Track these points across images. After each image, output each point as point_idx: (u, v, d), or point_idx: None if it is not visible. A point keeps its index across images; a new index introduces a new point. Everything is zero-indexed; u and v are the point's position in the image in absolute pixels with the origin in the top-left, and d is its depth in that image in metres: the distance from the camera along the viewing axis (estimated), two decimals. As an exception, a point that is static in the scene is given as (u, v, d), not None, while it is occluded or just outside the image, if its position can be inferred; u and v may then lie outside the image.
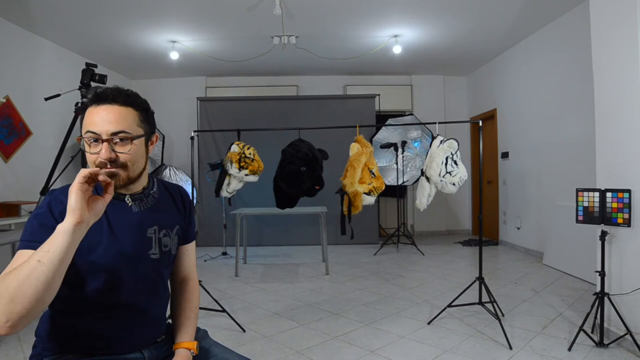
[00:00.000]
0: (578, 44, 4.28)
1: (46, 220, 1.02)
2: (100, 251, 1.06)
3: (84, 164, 3.59)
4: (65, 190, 1.08)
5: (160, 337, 1.23)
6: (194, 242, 1.37)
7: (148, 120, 1.15)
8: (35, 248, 0.92)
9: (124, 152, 1.06)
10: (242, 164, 3.55)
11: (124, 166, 1.07)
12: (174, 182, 6.10)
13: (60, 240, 0.87)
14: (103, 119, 1.05)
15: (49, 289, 0.86)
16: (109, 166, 1.04)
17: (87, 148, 1.06)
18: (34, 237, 0.98)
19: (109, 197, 0.97)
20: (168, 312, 1.29)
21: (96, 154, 1.04)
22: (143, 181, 1.19)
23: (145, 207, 1.18)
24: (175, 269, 1.31)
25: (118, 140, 1.05)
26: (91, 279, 1.05)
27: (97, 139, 1.04)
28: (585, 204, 2.59)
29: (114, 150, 1.05)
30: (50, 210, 1.03)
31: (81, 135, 1.09)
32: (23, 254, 0.95)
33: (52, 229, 0.97)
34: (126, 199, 1.15)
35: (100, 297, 1.06)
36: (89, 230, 1.01)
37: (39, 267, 0.84)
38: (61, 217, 1.00)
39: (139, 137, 1.09)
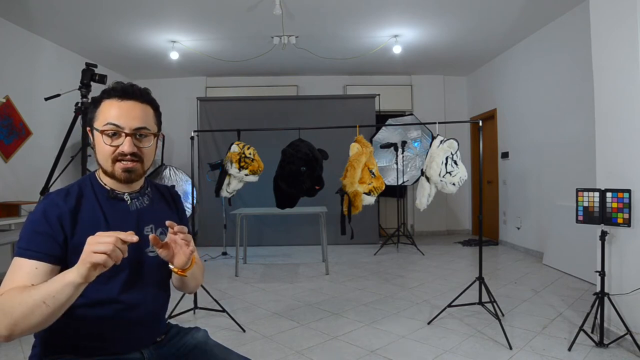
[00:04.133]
0: (578, 44, 4.28)
1: (40, 227, 1.03)
2: None
3: (84, 164, 3.58)
4: (61, 193, 1.10)
5: (160, 336, 1.23)
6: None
7: (159, 120, 1.21)
8: (31, 257, 0.98)
9: (144, 147, 1.12)
10: (242, 164, 3.55)
11: (141, 160, 1.12)
12: (174, 182, 6.13)
13: (68, 291, 0.90)
14: (128, 113, 1.09)
15: (51, 320, 0.92)
16: (128, 157, 1.08)
17: (106, 140, 1.08)
18: (29, 245, 1.00)
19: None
20: (167, 313, 1.28)
21: (115, 146, 1.08)
22: (141, 180, 1.21)
23: (142, 205, 1.19)
24: None
25: (139, 135, 1.11)
26: None
27: (120, 132, 1.08)
28: (585, 204, 2.59)
29: (135, 145, 1.10)
30: (45, 217, 1.04)
31: (92, 127, 1.11)
32: (20, 263, 0.99)
33: (46, 235, 1.01)
34: (125, 197, 1.16)
35: (98, 295, 1.06)
36: (86, 228, 1.03)
37: (44, 307, 0.89)
38: (58, 220, 1.03)
39: (155, 134, 1.16)
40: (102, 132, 1.08)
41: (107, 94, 1.11)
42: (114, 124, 1.08)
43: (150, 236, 1.04)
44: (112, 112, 1.09)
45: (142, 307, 1.14)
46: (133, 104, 1.11)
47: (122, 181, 1.12)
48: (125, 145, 1.08)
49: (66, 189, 1.12)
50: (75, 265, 0.90)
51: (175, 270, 1.13)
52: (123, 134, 1.08)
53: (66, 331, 1.07)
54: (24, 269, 0.98)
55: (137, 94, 1.12)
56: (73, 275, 0.89)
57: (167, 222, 1.07)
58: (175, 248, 1.10)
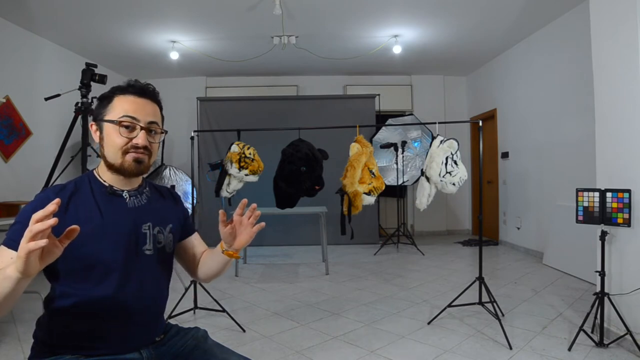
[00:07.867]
0: (578, 44, 4.28)
1: (28, 220, 1.01)
2: (94, 244, 1.07)
3: (84, 164, 3.58)
4: (55, 188, 1.11)
5: (158, 336, 1.23)
6: (197, 233, 1.44)
7: (163, 121, 1.27)
8: (11, 247, 0.99)
9: (154, 141, 1.18)
10: (242, 164, 3.55)
11: (150, 154, 1.17)
12: (174, 182, 6.12)
13: (8, 284, 0.86)
14: (144, 109, 1.16)
15: (2, 310, 0.90)
16: (140, 150, 1.13)
17: (122, 132, 1.12)
18: (13, 235, 1.01)
19: (67, 242, 0.88)
20: (167, 313, 1.28)
21: (129, 138, 1.12)
22: (140, 178, 1.23)
23: (140, 203, 1.20)
24: (193, 258, 1.38)
25: (151, 130, 1.17)
26: (85, 273, 1.06)
27: (135, 125, 1.13)
28: (585, 204, 2.59)
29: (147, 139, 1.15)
30: (34, 212, 1.02)
31: (102, 121, 1.13)
32: (3, 252, 1.01)
33: None
34: (124, 194, 1.17)
35: (95, 294, 1.06)
36: (77, 224, 0.99)
37: None
38: None
39: (163, 132, 1.22)
40: (119, 123, 1.11)
41: (122, 90, 1.16)
42: (131, 117, 1.12)
43: (243, 200, 1.14)
44: (128, 106, 1.14)
45: (139, 306, 1.14)
46: (147, 101, 1.18)
47: (132, 172, 1.14)
48: (140, 137, 1.13)
49: (62, 184, 1.13)
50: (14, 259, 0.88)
51: (230, 253, 1.19)
52: (138, 127, 1.13)
53: (64, 331, 1.08)
54: (3, 258, 0.99)
55: (151, 94, 1.20)
56: (11, 269, 0.86)
57: (243, 200, 1.15)
58: (238, 229, 1.16)
